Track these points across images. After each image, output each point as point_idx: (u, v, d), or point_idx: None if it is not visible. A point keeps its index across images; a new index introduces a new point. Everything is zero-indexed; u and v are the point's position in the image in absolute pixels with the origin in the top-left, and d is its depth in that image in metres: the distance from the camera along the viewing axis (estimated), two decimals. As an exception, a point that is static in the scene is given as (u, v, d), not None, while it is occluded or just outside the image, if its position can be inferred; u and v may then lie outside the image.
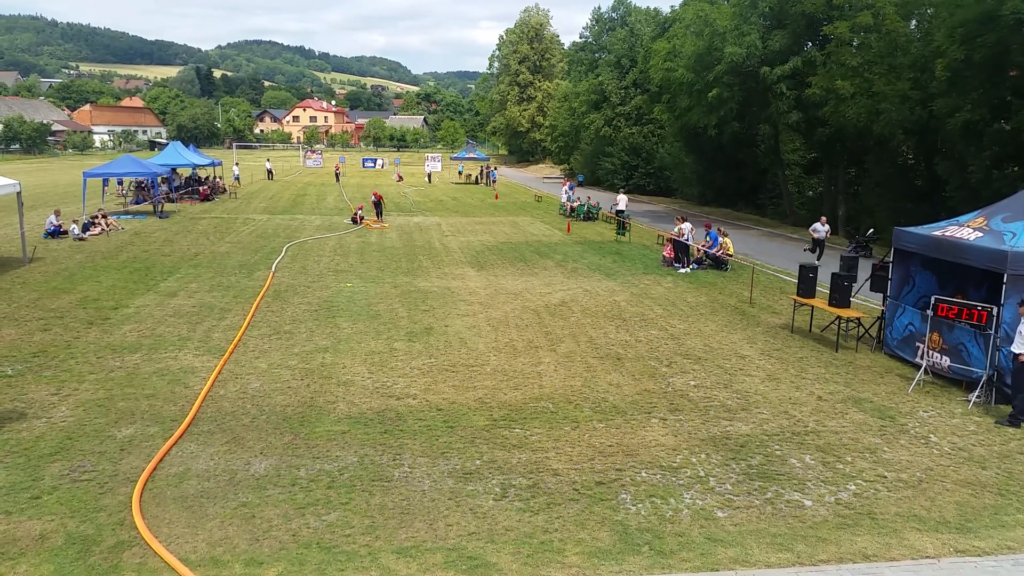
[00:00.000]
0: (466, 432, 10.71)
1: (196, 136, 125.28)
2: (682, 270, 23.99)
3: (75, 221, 28.53)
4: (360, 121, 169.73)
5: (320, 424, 10.86)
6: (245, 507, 8.43)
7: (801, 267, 17.09)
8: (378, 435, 10.52)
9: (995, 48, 24.07)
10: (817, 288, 16.93)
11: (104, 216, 30.78)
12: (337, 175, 64.03)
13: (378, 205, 36.65)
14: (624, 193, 39.15)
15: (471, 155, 70.96)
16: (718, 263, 24.53)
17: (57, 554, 7.42)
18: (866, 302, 18.59)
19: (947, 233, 13.86)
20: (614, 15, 72.67)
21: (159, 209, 36.78)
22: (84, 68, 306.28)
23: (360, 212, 35.49)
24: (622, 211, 35.87)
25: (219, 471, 9.29)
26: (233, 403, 11.62)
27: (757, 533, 8.18)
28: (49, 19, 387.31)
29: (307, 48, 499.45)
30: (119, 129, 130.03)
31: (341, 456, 9.81)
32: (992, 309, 12.29)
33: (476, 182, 66.02)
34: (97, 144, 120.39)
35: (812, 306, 16.71)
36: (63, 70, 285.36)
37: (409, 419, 11.13)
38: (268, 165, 66.97)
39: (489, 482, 9.19)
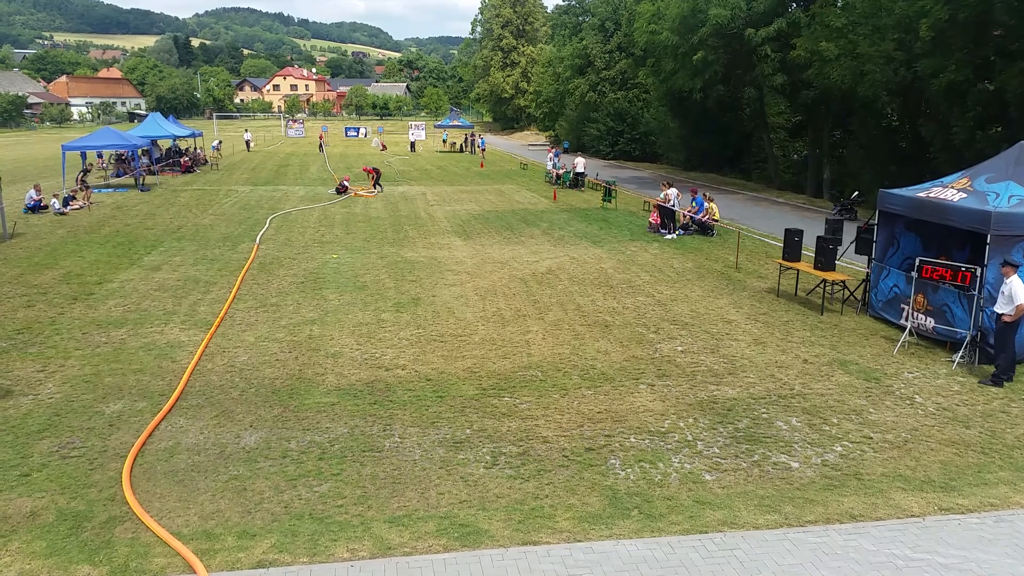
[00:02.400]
0: (456, 401, 10.75)
1: (176, 107, 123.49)
2: (668, 236, 24.00)
3: (55, 195, 28.16)
4: (342, 89, 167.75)
5: (309, 396, 10.86)
6: (236, 480, 8.44)
7: (787, 231, 17.13)
8: (368, 406, 10.53)
9: (979, 7, 23.97)
10: (803, 252, 17.00)
11: (85, 185, 30.51)
12: (321, 145, 63.39)
13: (377, 174, 36.94)
14: (581, 156, 40.07)
15: (455, 123, 70.47)
16: (704, 228, 24.55)
17: (49, 531, 7.43)
18: (851, 265, 18.69)
19: (931, 194, 13.91)
20: (597, -23, 71.78)
21: (140, 182, 36.35)
22: (58, 38, 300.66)
23: (346, 182, 35.31)
24: (581, 173, 36.99)
25: (209, 445, 9.29)
26: (221, 377, 11.59)
27: (745, 495, 8.29)
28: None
29: (286, 15, 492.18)
30: (97, 101, 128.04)
31: (331, 427, 9.83)
32: (976, 270, 12.38)
33: (461, 150, 65.57)
34: (75, 116, 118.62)
35: (797, 270, 16.79)
36: (36, 40, 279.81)
37: (398, 389, 11.15)
38: (247, 136, 65.58)
39: (479, 450, 9.25)
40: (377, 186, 36.15)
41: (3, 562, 6.91)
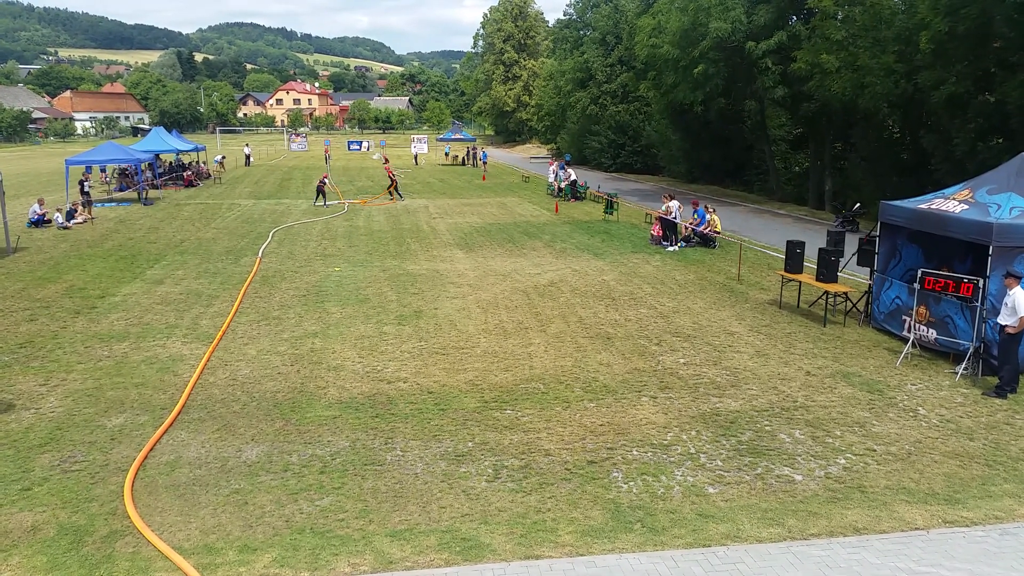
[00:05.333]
0: (457, 414, 10.73)
1: (179, 121, 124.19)
2: (670, 248, 24.01)
3: (59, 209, 28.25)
4: (344, 103, 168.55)
5: (311, 409, 10.85)
6: (238, 494, 8.42)
7: (789, 243, 17.12)
8: (369, 419, 10.52)
9: (979, 19, 24.03)
10: (804, 264, 16.99)
11: (88, 200, 30.73)
12: (327, 158, 63.65)
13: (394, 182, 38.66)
14: (571, 167, 41.50)
15: (457, 136, 70.64)
16: (706, 241, 24.56)
17: (50, 545, 7.41)
18: (853, 277, 18.68)
19: (933, 206, 13.91)
20: (598, -9, 72.04)
21: (143, 196, 36.48)
22: (63, 53, 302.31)
23: (325, 179, 36.60)
24: (575, 180, 38.53)
25: (210, 459, 9.27)
26: (223, 390, 11.58)
27: (748, 508, 8.25)
28: (25, 3, 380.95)
29: (289, 30, 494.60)
30: (101, 115, 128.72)
31: (333, 441, 9.81)
32: (978, 281, 12.36)
33: (463, 163, 65.74)
34: (79, 131, 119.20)
35: (800, 281, 16.78)
36: (41, 56, 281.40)
37: (400, 403, 11.14)
38: (247, 150, 64.80)
39: (481, 464, 9.22)
40: (396, 193, 37.90)
41: (3, 577, 6.90)
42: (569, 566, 7.18)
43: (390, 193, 38.08)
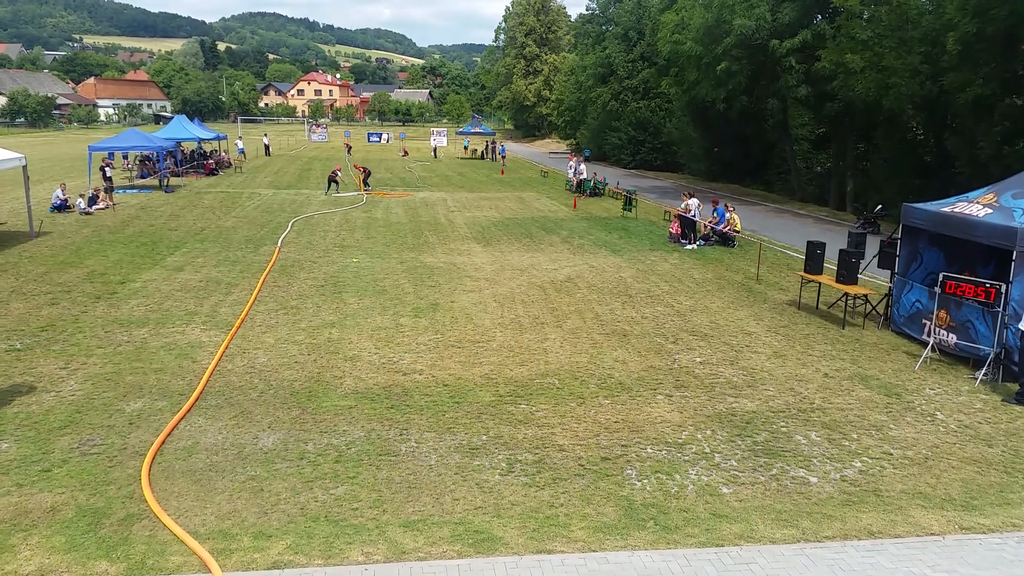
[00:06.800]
0: (472, 408, 10.75)
1: (201, 110, 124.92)
2: (689, 246, 23.91)
3: (81, 195, 28.53)
4: (365, 95, 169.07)
5: (327, 399, 10.91)
6: (253, 481, 8.49)
7: (809, 243, 17.01)
8: (385, 410, 10.56)
9: (1008, 21, 23.73)
10: (824, 265, 16.86)
11: (109, 185, 31.01)
12: (348, 148, 63.86)
13: (366, 173, 38.81)
14: (584, 162, 41.67)
15: (477, 130, 70.61)
16: (725, 239, 24.43)
17: (68, 526, 7.50)
18: (873, 279, 18.53)
19: (956, 209, 13.76)
20: (622, -13, 71.68)
21: (165, 183, 36.76)
22: (88, 40, 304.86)
23: (337, 171, 37.20)
24: (585, 179, 38.75)
25: (227, 445, 9.35)
26: (241, 378, 11.67)
27: (762, 509, 8.22)
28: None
29: (312, 20, 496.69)
30: (124, 103, 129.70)
31: (348, 431, 9.87)
32: (1000, 286, 12.22)
33: (482, 157, 65.75)
34: (102, 118, 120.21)
35: (819, 283, 16.66)
36: (67, 42, 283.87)
37: (415, 394, 11.18)
38: (265, 140, 64.51)
39: (495, 457, 9.24)
40: (364, 185, 37.90)
41: (23, 556, 6.99)
42: (581, 561, 7.19)
43: (366, 184, 38.04)
